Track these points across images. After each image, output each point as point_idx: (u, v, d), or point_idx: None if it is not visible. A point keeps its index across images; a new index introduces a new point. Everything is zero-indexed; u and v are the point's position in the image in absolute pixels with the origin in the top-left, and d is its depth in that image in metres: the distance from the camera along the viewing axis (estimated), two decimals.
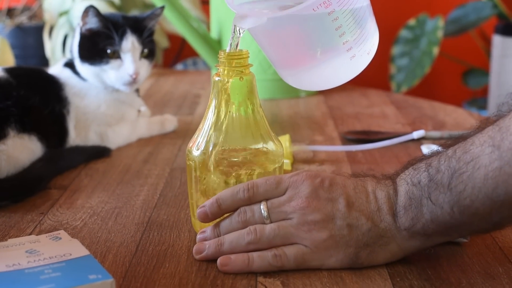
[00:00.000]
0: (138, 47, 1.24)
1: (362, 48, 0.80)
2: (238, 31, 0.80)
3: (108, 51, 1.21)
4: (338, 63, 0.81)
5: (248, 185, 0.77)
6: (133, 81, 1.23)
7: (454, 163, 0.69)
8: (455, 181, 0.69)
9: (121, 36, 1.21)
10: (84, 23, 1.21)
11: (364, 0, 0.81)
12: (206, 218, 0.79)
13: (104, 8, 2.05)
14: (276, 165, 0.84)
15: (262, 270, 0.75)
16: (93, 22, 1.21)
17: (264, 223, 0.76)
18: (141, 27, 1.25)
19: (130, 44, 1.22)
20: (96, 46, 1.22)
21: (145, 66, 1.26)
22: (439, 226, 0.71)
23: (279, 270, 0.75)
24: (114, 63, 1.22)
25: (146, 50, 1.25)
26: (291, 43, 0.82)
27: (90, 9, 1.19)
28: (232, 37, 0.81)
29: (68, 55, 1.30)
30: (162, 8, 1.29)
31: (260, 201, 0.77)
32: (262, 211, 0.76)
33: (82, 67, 1.23)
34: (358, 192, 0.75)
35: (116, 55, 1.22)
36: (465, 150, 0.69)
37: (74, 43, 1.25)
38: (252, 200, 0.77)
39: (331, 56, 0.80)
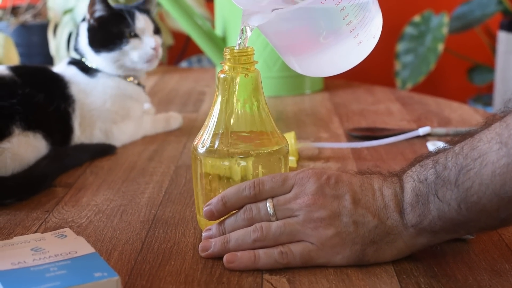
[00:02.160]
0: (150, 23, 1.28)
1: (368, 33, 0.80)
2: (246, 29, 0.80)
3: (126, 32, 1.24)
4: (345, 48, 0.81)
5: (254, 182, 0.77)
6: (155, 55, 1.27)
7: (461, 160, 0.69)
8: (462, 178, 0.68)
9: (132, 17, 1.25)
10: (92, 13, 1.23)
11: None
12: (212, 216, 0.79)
13: None
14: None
15: (268, 267, 0.75)
16: (101, 9, 1.23)
17: (270, 221, 0.76)
18: (144, 9, 1.29)
19: (143, 21, 1.26)
20: (110, 31, 1.24)
21: (159, 41, 1.29)
22: (446, 223, 0.71)
23: (285, 268, 0.75)
24: (133, 42, 1.25)
25: (155, 28, 1.30)
26: (298, 33, 0.82)
27: None
28: (241, 37, 0.81)
29: (72, 54, 1.31)
30: None
31: (265, 199, 0.77)
32: (268, 209, 0.76)
33: (98, 57, 1.25)
34: (364, 190, 0.75)
35: (133, 35, 1.25)
36: (472, 147, 0.69)
37: (80, 39, 1.26)
38: (257, 197, 0.77)
39: (338, 41, 0.80)
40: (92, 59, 1.25)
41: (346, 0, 0.76)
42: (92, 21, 1.24)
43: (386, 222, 0.73)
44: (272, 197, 0.77)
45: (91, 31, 1.24)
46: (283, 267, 0.75)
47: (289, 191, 0.76)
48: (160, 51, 1.29)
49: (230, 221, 0.79)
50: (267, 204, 0.76)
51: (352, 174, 0.78)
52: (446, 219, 0.71)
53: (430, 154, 0.75)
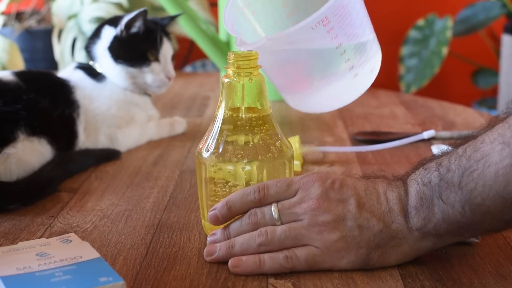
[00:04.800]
0: (170, 50, 1.30)
1: (365, 66, 0.80)
2: None
3: (150, 54, 1.26)
4: (342, 84, 0.81)
5: (259, 186, 0.77)
6: (167, 83, 1.29)
7: (465, 162, 0.69)
8: (466, 180, 0.68)
9: (161, 40, 1.27)
10: (130, 27, 1.24)
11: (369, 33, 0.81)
12: (217, 221, 0.79)
13: (113, 11, 2.06)
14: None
15: (273, 272, 0.75)
16: (139, 27, 1.25)
17: (275, 225, 0.76)
18: (168, 33, 1.31)
19: (167, 48, 1.28)
20: (137, 49, 1.26)
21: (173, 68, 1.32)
22: (451, 226, 0.71)
23: (290, 272, 0.75)
24: (154, 65, 1.27)
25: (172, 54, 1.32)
26: (294, 72, 0.83)
27: (142, 15, 1.23)
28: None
29: (77, 58, 1.31)
30: (179, 15, 1.36)
31: (270, 203, 0.77)
32: (273, 213, 0.76)
33: (115, 68, 1.25)
34: (369, 194, 0.75)
35: (155, 58, 1.26)
36: (475, 149, 0.69)
37: (101, 42, 1.27)
38: (262, 201, 0.77)
39: (335, 79, 0.80)
40: (105, 64, 1.25)
41: (337, 28, 0.76)
42: (124, 33, 1.24)
43: (391, 226, 0.73)
44: (277, 202, 0.77)
45: (119, 41, 1.25)
46: (288, 271, 0.75)
47: (294, 195, 0.76)
48: (172, 79, 1.31)
49: (235, 226, 0.79)
50: (272, 209, 0.76)
51: (357, 178, 0.78)
52: (450, 221, 0.71)
53: (433, 157, 0.75)
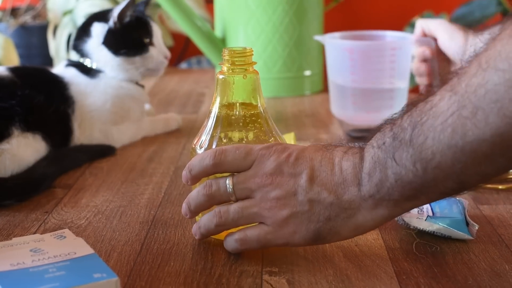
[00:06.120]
0: (159, 31, 1.31)
1: None
2: None
3: (146, 40, 1.27)
4: None
5: (217, 151, 0.77)
6: (166, 62, 1.31)
7: (415, 116, 0.66)
8: (416, 134, 0.66)
9: (150, 25, 1.29)
10: (122, 18, 1.25)
11: None
12: (186, 181, 0.79)
13: (108, 7, 2.05)
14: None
15: (234, 252, 0.79)
16: (130, 16, 1.26)
17: (229, 199, 0.76)
18: (148, 15, 1.32)
19: (156, 30, 1.30)
20: (133, 37, 1.27)
21: None
22: (404, 189, 0.68)
23: (285, 268, 0.75)
24: (152, 50, 1.28)
25: None
26: None
27: (131, 4, 1.24)
28: None
29: (71, 55, 1.31)
30: None
31: (225, 170, 0.77)
32: (228, 186, 0.76)
33: (114, 60, 1.26)
34: (324, 165, 0.73)
35: (151, 42, 1.28)
36: (426, 102, 0.66)
37: (92, 40, 1.26)
38: (218, 167, 0.77)
39: None
40: (102, 59, 1.25)
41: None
42: (118, 24, 1.24)
43: (342, 197, 0.71)
44: (233, 172, 0.76)
45: (114, 34, 1.25)
46: (245, 250, 0.78)
47: (250, 167, 0.76)
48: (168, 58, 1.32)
49: (192, 195, 0.79)
50: (227, 182, 0.76)
51: (317, 147, 0.76)
52: (403, 183, 0.68)
53: (389, 119, 0.72)
